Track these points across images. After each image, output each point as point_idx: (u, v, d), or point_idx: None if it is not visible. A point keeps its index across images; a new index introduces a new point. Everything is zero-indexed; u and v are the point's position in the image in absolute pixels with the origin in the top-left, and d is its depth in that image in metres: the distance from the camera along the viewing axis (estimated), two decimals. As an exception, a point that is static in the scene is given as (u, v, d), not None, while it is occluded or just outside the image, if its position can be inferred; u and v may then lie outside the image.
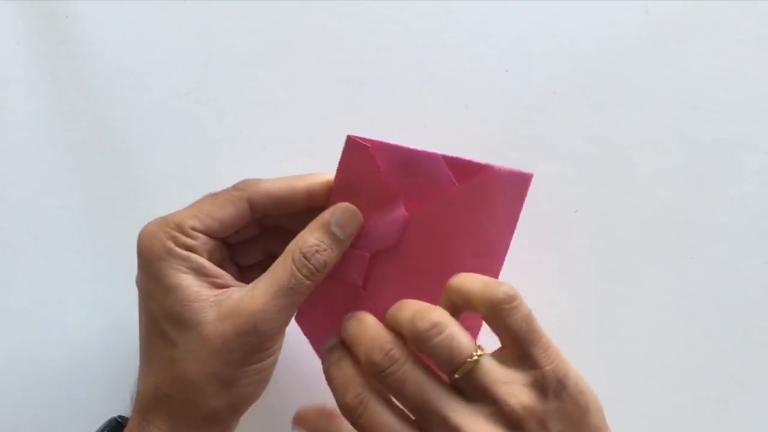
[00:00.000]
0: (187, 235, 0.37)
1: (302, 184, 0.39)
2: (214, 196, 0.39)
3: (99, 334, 0.48)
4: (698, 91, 0.48)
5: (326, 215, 0.38)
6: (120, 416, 0.41)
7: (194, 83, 0.49)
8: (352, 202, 0.39)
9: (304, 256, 0.37)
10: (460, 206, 0.39)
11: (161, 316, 0.37)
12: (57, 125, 0.49)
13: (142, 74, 0.49)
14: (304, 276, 0.37)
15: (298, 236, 0.38)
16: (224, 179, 0.48)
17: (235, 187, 0.39)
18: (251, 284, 0.37)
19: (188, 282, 0.36)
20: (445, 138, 0.48)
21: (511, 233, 0.40)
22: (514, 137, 0.48)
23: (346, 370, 0.36)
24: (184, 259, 0.37)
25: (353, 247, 0.40)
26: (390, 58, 0.48)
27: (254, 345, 0.36)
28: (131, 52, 0.49)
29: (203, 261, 0.37)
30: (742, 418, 0.48)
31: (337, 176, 0.40)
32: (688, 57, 0.48)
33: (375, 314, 0.38)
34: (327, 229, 0.38)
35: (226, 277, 0.38)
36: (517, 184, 0.40)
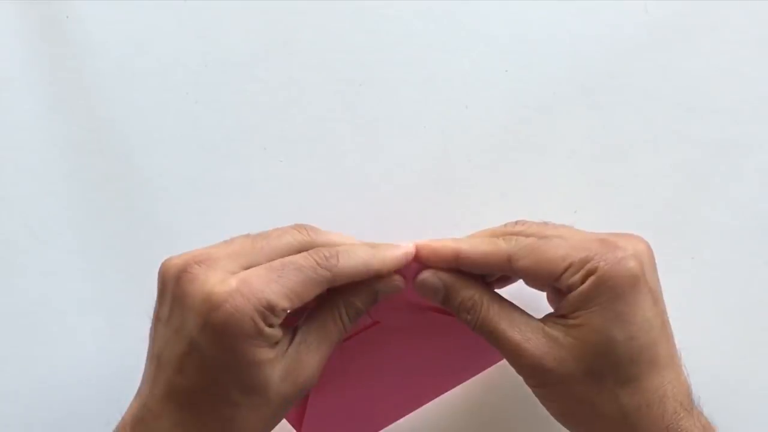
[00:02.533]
0: (277, 316, 0.36)
1: (377, 265, 0.38)
2: (300, 271, 0.36)
3: (99, 334, 0.48)
4: (698, 91, 0.48)
5: (378, 286, 0.39)
6: None
7: (194, 83, 0.49)
8: None
9: (348, 317, 0.38)
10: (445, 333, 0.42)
11: (230, 383, 0.36)
12: (57, 125, 0.49)
13: (142, 74, 0.49)
14: (346, 331, 0.39)
15: (347, 296, 0.38)
16: (224, 179, 0.49)
17: (320, 264, 0.37)
18: (300, 339, 0.38)
19: (269, 357, 0.36)
20: (445, 138, 0.48)
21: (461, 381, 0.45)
22: (514, 137, 0.48)
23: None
24: (270, 337, 0.36)
25: None
26: (390, 58, 0.48)
27: (302, 395, 0.38)
28: (131, 52, 0.49)
29: (279, 332, 0.37)
30: (743, 419, 0.48)
31: None
32: (688, 57, 0.48)
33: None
34: (375, 296, 0.39)
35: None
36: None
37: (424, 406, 0.47)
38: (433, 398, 0.46)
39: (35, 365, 0.48)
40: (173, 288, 0.36)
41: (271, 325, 0.36)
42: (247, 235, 0.38)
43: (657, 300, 0.38)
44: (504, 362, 0.40)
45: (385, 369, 0.43)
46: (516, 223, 0.41)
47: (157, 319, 0.38)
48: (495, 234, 0.40)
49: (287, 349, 0.37)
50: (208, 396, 0.36)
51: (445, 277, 0.39)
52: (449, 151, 0.49)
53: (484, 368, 0.45)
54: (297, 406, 0.43)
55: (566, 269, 0.36)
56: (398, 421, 0.46)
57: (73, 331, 0.48)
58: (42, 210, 0.49)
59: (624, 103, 0.48)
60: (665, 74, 0.48)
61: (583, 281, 0.36)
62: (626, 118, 0.48)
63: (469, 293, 0.39)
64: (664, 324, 0.38)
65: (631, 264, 0.36)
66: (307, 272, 0.36)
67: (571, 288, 0.37)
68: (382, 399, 0.44)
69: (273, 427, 0.38)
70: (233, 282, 0.35)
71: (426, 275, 0.39)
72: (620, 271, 0.36)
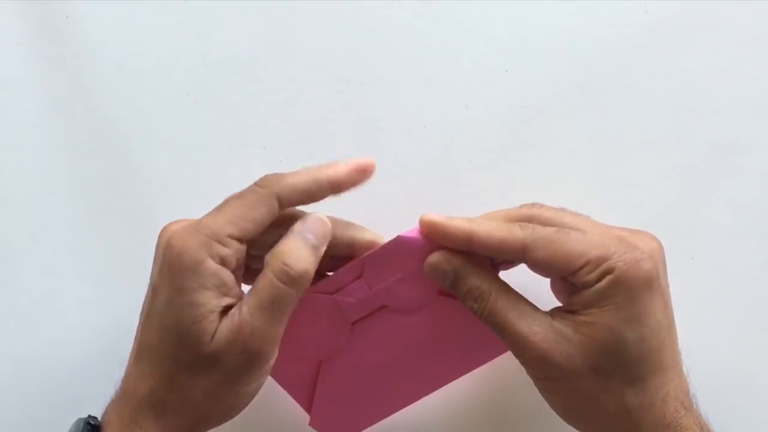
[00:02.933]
0: (224, 244, 0.36)
1: (324, 176, 0.38)
2: (241, 197, 0.38)
3: (99, 334, 0.48)
4: (698, 91, 0.48)
5: (298, 226, 0.38)
6: (91, 417, 0.40)
7: (194, 83, 0.49)
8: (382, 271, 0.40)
9: (285, 264, 0.37)
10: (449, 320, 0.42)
11: (173, 325, 0.37)
12: (57, 125, 0.49)
13: (142, 74, 0.49)
14: (287, 285, 0.37)
15: (275, 247, 0.38)
16: (224, 179, 0.48)
17: (260, 185, 0.38)
18: (241, 301, 0.37)
19: (208, 300, 0.36)
20: (445, 138, 0.48)
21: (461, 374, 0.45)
22: (514, 137, 0.48)
23: None
24: (213, 275, 0.36)
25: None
26: (390, 58, 0.48)
27: (244, 362, 0.37)
28: (131, 52, 0.49)
29: (228, 277, 0.37)
30: (743, 419, 0.48)
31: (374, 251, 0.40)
32: (688, 57, 0.48)
33: (353, 360, 0.42)
34: (301, 237, 0.38)
35: (238, 293, 0.38)
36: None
37: (429, 404, 0.46)
38: (442, 385, 0.46)
39: (35, 365, 0.48)
40: (156, 255, 0.39)
41: (221, 259, 0.36)
42: None
43: (667, 302, 0.38)
44: (506, 357, 0.40)
45: (393, 353, 0.43)
46: (533, 205, 0.40)
47: (149, 289, 0.40)
48: (510, 217, 0.40)
49: (233, 314, 0.37)
50: (160, 343, 0.37)
51: (454, 261, 0.38)
52: (449, 151, 0.48)
53: (494, 356, 0.45)
54: (307, 388, 0.43)
55: (583, 266, 0.36)
56: (404, 418, 0.46)
57: (73, 331, 0.48)
58: (42, 210, 0.49)
59: (624, 103, 0.48)
60: (665, 74, 0.48)
61: (599, 279, 0.36)
62: (626, 118, 0.48)
63: (478, 282, 0.38)
64: (671, 325, 0.38)
65: (648, 266, 0.36)
66: (248, 196, 0.38)
67: (586, 285, 0.36)
68: (390, 383, 0.44)
69: (225, 410, 0.39)
70: (185, 224, 0.37)
71: (436, 259, 0.39)
72: (637, 273, 0.36)
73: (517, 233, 0.37)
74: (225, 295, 0.37)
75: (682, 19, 0.48)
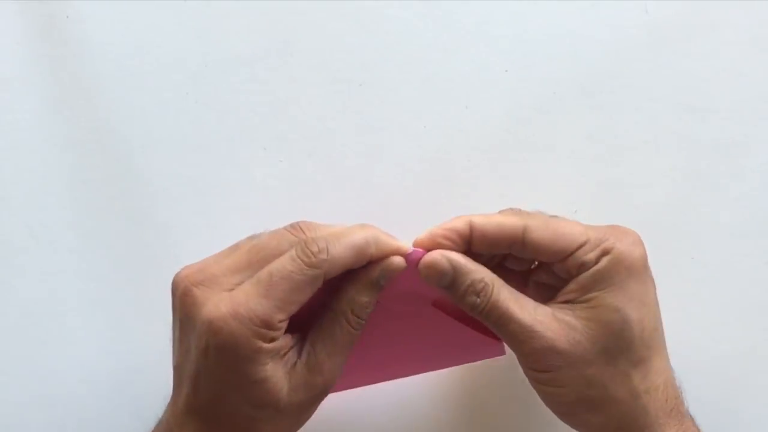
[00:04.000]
0: (275, 329, 0.36)
1: (371, 249, 0.37)
2: (289, 278, 0.36)
3: (99, 335, 0.48)
4: (698, 91, 0.48)
5: (375, 273, 0.38)
6: None
7: (194, 83, 0.49)
8: None
9: (357, 316, 0.38)
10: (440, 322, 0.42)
11: (240, 400, 0.36)
12: (57, 125, 0.49)
13: (142, 74, 0.49)
14: (357, 331, 0.38)
15: (347, 295, 0.38)
16: (224, 179, 0.49)
17: (308, 263, 0.36)
18: (308, 349, 0.37)
19: (272, 372, 0.36)
20: (445, 138, 0.48)
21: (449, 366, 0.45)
22: (514, 137, 0.48)
23: None
24: (271, 351, 0.36)
25: None
26: (390, 58, 0.48)
27: (322, 400, 0.38)
28: (131, 52, 0.49)
29: (283, 343, 0.37)
30: (743, 419, 0.48)
31: None
32: (688, 57, 0.48)
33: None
34: (377, 285, 0.38)
35: (288, 341, 0.38)
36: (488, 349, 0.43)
37: (421, 404, 0.47)
38: (419, 372, 0.46)
39: (35, 365, 0.48)
40: (180, 309, 0.37)
41: (272, 340, 0.36)
42: (249, 244, 0.38)
43: (655, 287, 0.39)
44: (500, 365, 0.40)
45: (374, 340, 0.42)
46: (520, 211, 0.40)
47: (173, 332, 0.39)
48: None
49: (296, 362, 0.37)
50: (224, 410, 0.36)
51: (454, 258, 0.38)
52: (449, 151, 0.48)
53: (471, 361, 0.45)
54: None
55: (582, 245, 0.37)
56: (397, 417, 0.47)
57: (73, 331, 0.48)
58: (42, 210, 0.49)
59: (624, 103, 0.48)
60: (665, 74, 0.48)
61: (598, 259, 0.37)
62: (626, 118, 0.48)
63: (479, 276, 0.38)
64: (659, 311, 0.39)
65: (641, 249, 0.38)
66: (295, 277, 0.35)
67: (585, 265, 0.37)
68: (371, 355, 0.44)
69: (297, 428, 0.39)
70: (226, 306, 0.35)
71: (434, 256, 0.37)
72: (633, 253, 0.37)
73: (514, 218, 0.38)
74: (285, 351, 0.37)
75: (682, 19, 0.48)
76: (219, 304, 0.35)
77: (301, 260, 0.36)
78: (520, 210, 0.39)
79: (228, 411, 0.36)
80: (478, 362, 0.45)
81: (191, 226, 0.49)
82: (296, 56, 0.49)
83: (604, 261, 0.37)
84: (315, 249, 0.36)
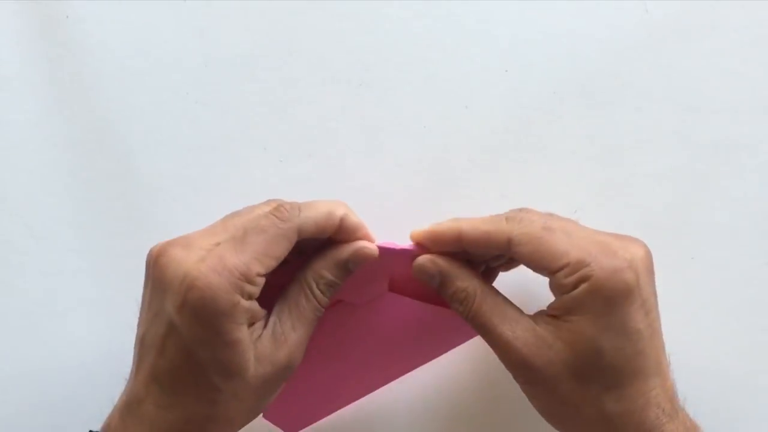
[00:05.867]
0: (253, 284, 0.36)
1: (341, 210, 0.38)
2: (263, 231, 0.36)
3: (99, 334, 0.48)
4: (698, 91, 0.48)
5: (345, 254, 0.38)
6: None
7: (194, 83, 0.49)
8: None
9: (322, 291, 0.38)
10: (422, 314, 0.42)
11: (210, 364, 0.36)
12: (57, 125, 0.49)
13: (142, 74, 0.49)
14: (322, 307, 0.38)
15: (314, 268, 0.38)
16: (224, 179, 0.49)
17: (281, 218, 0.37)
18: (274, 320, 0.38)
19: (245, 335, 0.36)
20: (445, 138, 0.48)
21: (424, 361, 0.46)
22: (514, 137, 0.48)
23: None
24: (247, 311, 0.36)
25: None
26: (390, 58, 0.48)
27: (285, 378, 0.38)
28: (131, 52, 0.49)
29: (257, 308, 0.37)
30: (743, 419, 0.48)
31: None
32: (688, 57, 0.48)
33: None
34: (345, 267, 0.38)
35: (261, 312, 0.38)
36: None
37: (415, 402, 0.47)
38: (401, 375, 0.46)
39: (35, 365, 0.48)
40: (153, 272, 0.37)
41: (250, 296, 0.36)
42: (224, 216, 0.39)
43: (649, 310, 0.37)
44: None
45: (348, 347, 0.43)
46: (520, 210, 0.40)
47: (141, 304, 0.39)
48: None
49: (262, 332, 0.37)
50: (189, 378, 0.36)
51: (442, 264, 0.39)
52: (449, 151, 0.49)
53: (454, 346, 0.46)
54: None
55: (562, 268, 0.36)
56: (393, 414, 0.47)
57: (73, 331, 0.48)
58: (42, 210, 0.49)
59: (624, 103, 0.48)
60: (665, 74, 0.48)
61: (575, 286, 0.36)
62: (626, 118, 0.48)
63: (463, 284, 0.38)
64: (654, 332, 0.38)
65: (627, 275, 0.36)
66: (270, 230, 0.36)
67: (563, 288, 0.37)
68: (344, 375, 0.44)
69: (258, 411, 0.39)
70: (205, 260, 0.35)
71: (423, 261, 0.39)
72: (614, 282, 0.36)
73: (503, 226, 0.38)
74: (255, 322, 0.37)
75: (682, 19, 0.48)
76: (196, 260, 0.35)
77: (275, 216, 0.37)
78: (518, 214, 0.39)
79: (193, 379, 0.36)
80: (478, 363, 0.45)
81: (191, 226, 0.48)
82: (296, 56, 0.49)
83: (580, 289, 0.36)
84: (288, 207, 0.37)
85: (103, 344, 0.48)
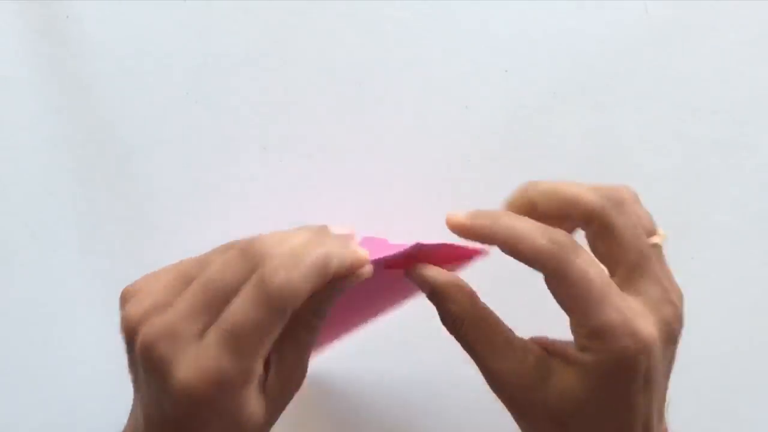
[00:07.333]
0: (254, 378, 0.34)
1: (333, 268, 0.33)
2: (256, 326, 0.33)
3: (99, 334, 0.48)
4: (698, 91, 0.48)
5: (341, 285, 0.34)
6: None
7: (194, 83, 0.49)
8: None
9: (320, 318, 0.35)
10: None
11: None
12: (57, 125, 0.49)
13: (142, 74, 0.49)
14: (319, 329, 0.36)
15: (312, 304, 0.34)
16: (224, 179, 0.49)
17: (274, 306, 0.32)
18: (274, 359, 0.35)
19: (251, 401, 0.34)
20: (445, 138, 0.48)
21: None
22: (514, 137, 0.48)
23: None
24: (254, 393, 0.34)
25: None
26: (390, 58, 0.48)
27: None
28: (131, 52, 0.49)
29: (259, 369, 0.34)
30: (743, 419, 0.48)
31: None
32: (688, 57, 0.48)
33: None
34: (340, 293, 0.35)
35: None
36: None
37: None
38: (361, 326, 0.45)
39: (35, 365, 0.48)
40: (144, 364, 0.34)
41: (251, 383, 0.34)
42: (200, 278, 0.34)
43: (654, 385, 0.35)
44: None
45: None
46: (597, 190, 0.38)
47: (134, 379, 0.36)
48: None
49: (266, 378, 0.35)
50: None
51: (435, 278, 0.36)
52: (449, 151, 0.49)
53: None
54: None
55: (580, 325, 0.34)
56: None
57: (72, 331, 0.48)
58: (42, 210, 0.49)
59: (624, 103, 0.48)
60: (665, 74, 0.48)
61: (582, 349, 0.34)
62: (626, 118, 0.48)
63: (454, 308, 0.36)
64: (651, 413, 0.35)
65: (635, 362, 0.33)
66: (263, 324, 0.32)
67: (574, 342, 0.34)
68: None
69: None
70: (200, 372, 0.32)
71: (421, 270, 0.37)
72: (620, 367, 0.33)
73: (554, 251, 0.34)
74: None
75: (682, 19, 0.48)
76: (190, 368, 0.32)
77: (265, 304, 0.32)
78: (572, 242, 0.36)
79: None
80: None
81: (191, 226, 0.49)
82: (296, 56, 0.49)
83: (585, 355, 0.34)
84: (275, 285, 0.32)
85: (103, 344, 0.48)
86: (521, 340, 0.36)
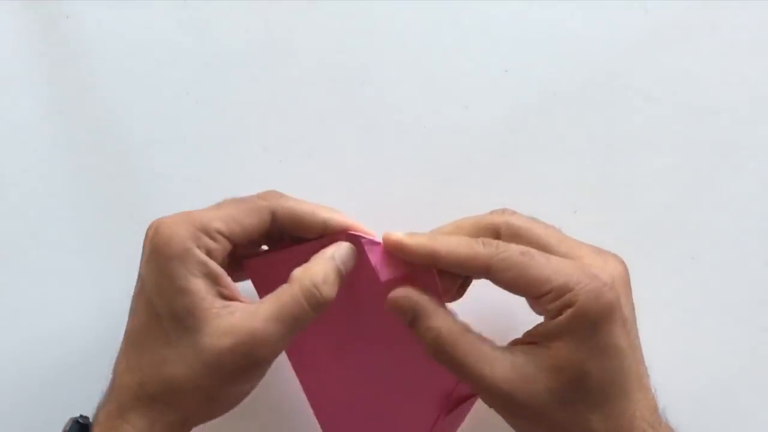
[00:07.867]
0: (211, 237, 0.37)
1: (323, 215, 0.38)
2: (239, 201, 0.38)
3: (99, 334, 0.48)
4: (698, 91, 0.48)
5: (330, 251, 0.38)
6: (81, 416, 0.39)
7: (194, 83, 0.49)
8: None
9: (315, 287, 0.37)
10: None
11: (165, 313, 0.36)
12: (57, 125, 0.49)
13: (142, 74, 0.49)
14: (310, 306, 0.37)
15: (306, 266, 0.37)
16: (224, 179, 0.49)
17: (260, 197, 0.39)
18: (255, 304, 0.37)
19: (200, 288, 0.36)
20: (445, 138, 0.48)
21: None
22: (514, 137, 0.48)
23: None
24: (202, 263, 0.36)
25: None
26: (390, 58, 0.48)
27: (245, 367, 0.36)
28: (131, 52, 0.49)
29: (219, 269, 0.37)
30: (743, 420, 0.48)
31: None
32: (688, 57, 0.48)
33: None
34: (334, 265, 0.38)
35: (234, 289, 0.37)
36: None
37: None
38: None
39: (35, 365, 0.48)
40: (145, 243, 0.38)
41: (207, 250, 0.36)
42: None
43: (630, 328, 0.37)
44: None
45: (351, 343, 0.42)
46: (503, 211, 0.40)
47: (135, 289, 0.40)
48: (479, 226, 0.39)
49: (238, 309, 0.36)
50: (150, 331, 0.37)
51: (414, 300, 0.38)
52: (449, 151, 0.49)
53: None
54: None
55: (546, 293, 0.36)
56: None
57: (73, 332, 0.48)
58: (42, 210, 0.49)
59: (624, 103, 0.48)
60: (665, 74, 0.48)
61: (560, 311, 0.35)
62: (626, 118, 0.48)
63: (434, 323, 0.37)
64: (634, 349, 0.37)
65: (610, 297, 0.36)
66: (245, 201, 0.38)
67: (547, 314, 0.36)
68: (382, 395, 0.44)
69: (217, 408, 0.38)
70: (175, 215, 0.37)
71: (397, 295, 0.38)
72: (599, 305, 0.35)
73: (480, 252, 0.37)
74: (216, 285, 0.37)
75: (682, 19, 0.48)
76: (170, 217, 0.37)
77: (257, 195, 0.38)
78: (502, 215, 0.39)
79: (153, 332, 0.37)
80: None
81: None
82: (296, 56, 0.49)
83: (565, 315, 0.35)
84: (274, 193, 0.39)
85: (103, 344, 0.48)
86: (500, 346, 0.37)
